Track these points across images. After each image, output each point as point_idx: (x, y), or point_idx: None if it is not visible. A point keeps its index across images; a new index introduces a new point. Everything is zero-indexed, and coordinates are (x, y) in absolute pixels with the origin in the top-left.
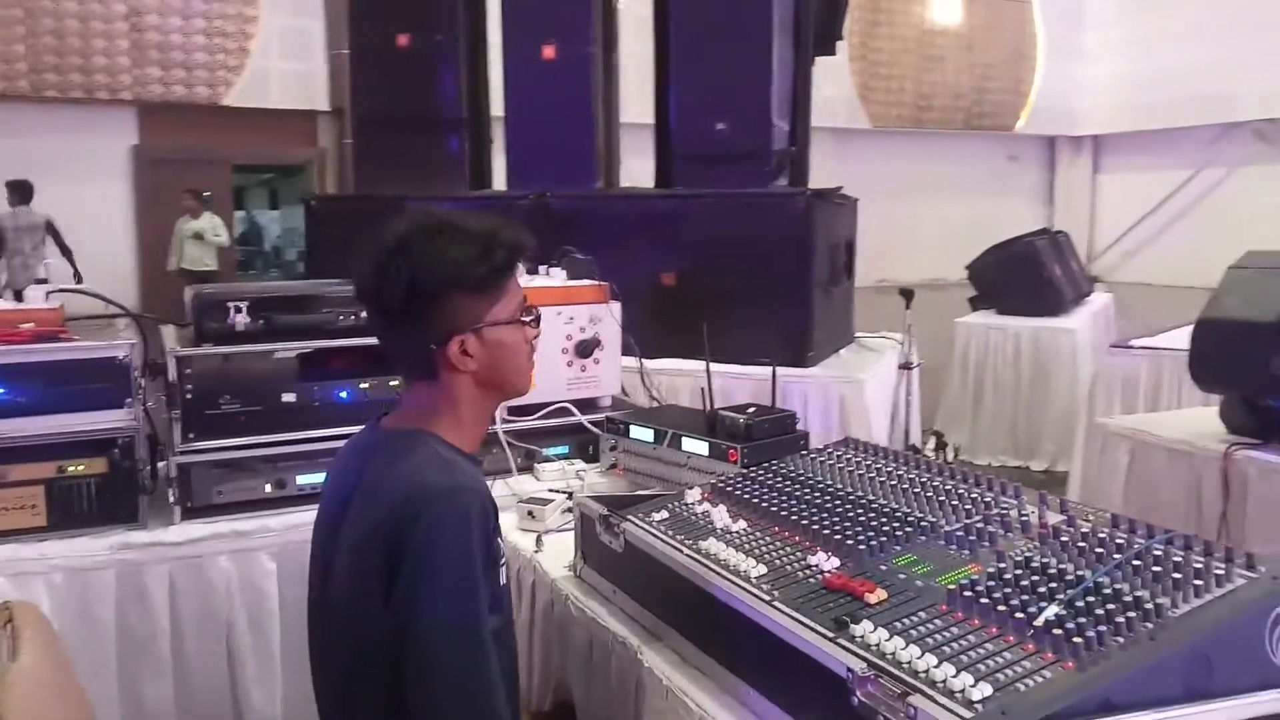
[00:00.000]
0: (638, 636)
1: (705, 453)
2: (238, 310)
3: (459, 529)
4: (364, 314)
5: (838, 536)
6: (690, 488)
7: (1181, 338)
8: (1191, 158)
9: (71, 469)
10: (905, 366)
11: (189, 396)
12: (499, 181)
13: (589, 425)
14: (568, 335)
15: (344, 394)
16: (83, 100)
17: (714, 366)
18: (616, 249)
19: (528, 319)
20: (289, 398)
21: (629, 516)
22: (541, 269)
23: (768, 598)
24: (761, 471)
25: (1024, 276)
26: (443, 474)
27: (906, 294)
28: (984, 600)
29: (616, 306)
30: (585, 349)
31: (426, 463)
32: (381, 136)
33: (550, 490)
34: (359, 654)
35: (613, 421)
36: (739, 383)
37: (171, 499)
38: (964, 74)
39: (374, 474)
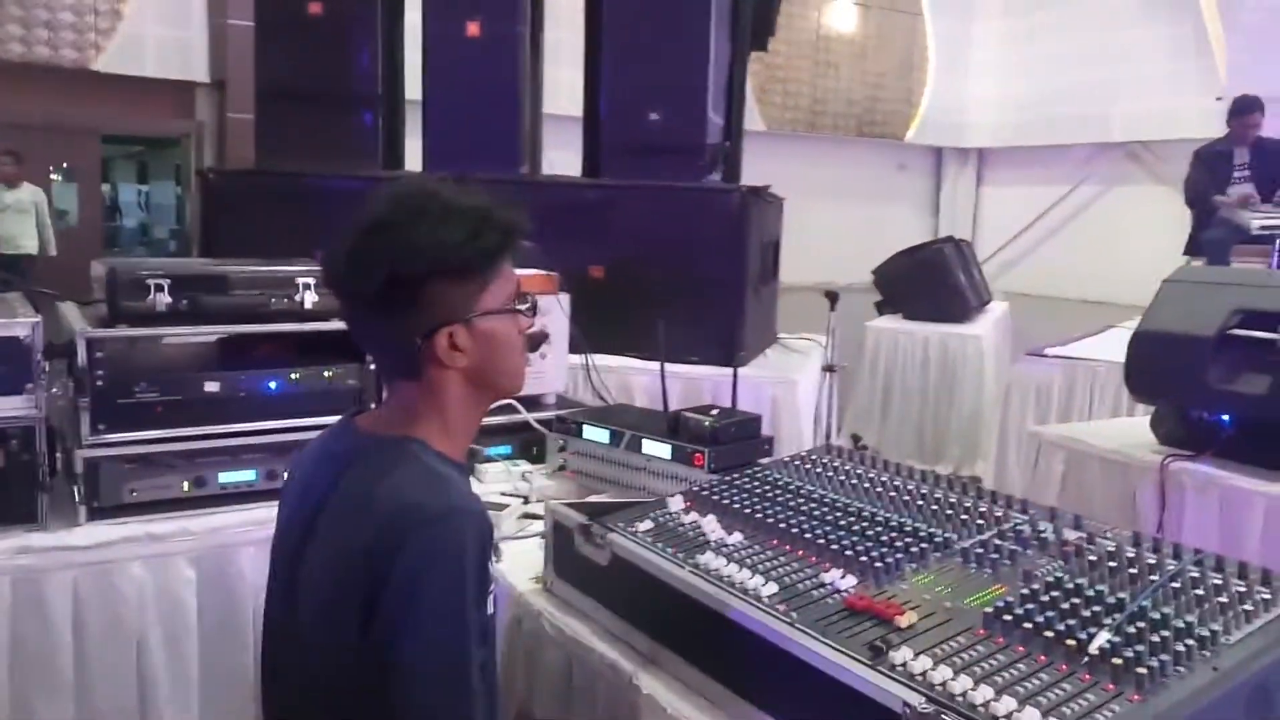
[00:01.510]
0: (629, 660)
1: (668, 456)
2: (159, 289)
3: (453, 557)
4: (299, 297)
5: (848, 552)
6: (670, 495)
7: (1093, 347)
8: (1069, 174)
9: None
10: (829, 369)
11: (100, 383)
12: (412, 162)
13: (536, 424)
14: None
15: (273, 384)
16: None
17: (638, 363)
18: (542, 238)
19: (523, 307)
20: (212, 387)
21: (612, 526)
22: None
23: (788, 619)
24: (745, 479)
25: (931, 283)
26: (436, 492)
27: (831, 296)
28: (1025, 625)
29: (565, 299)
30: (534, 343)
31: (416, 478)
32: (286, 109)
33: (502, 494)
34: (326, 685)
35: (563, 421)
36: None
37: (76, 497)
38: (857, 82)
39: (353, 486)
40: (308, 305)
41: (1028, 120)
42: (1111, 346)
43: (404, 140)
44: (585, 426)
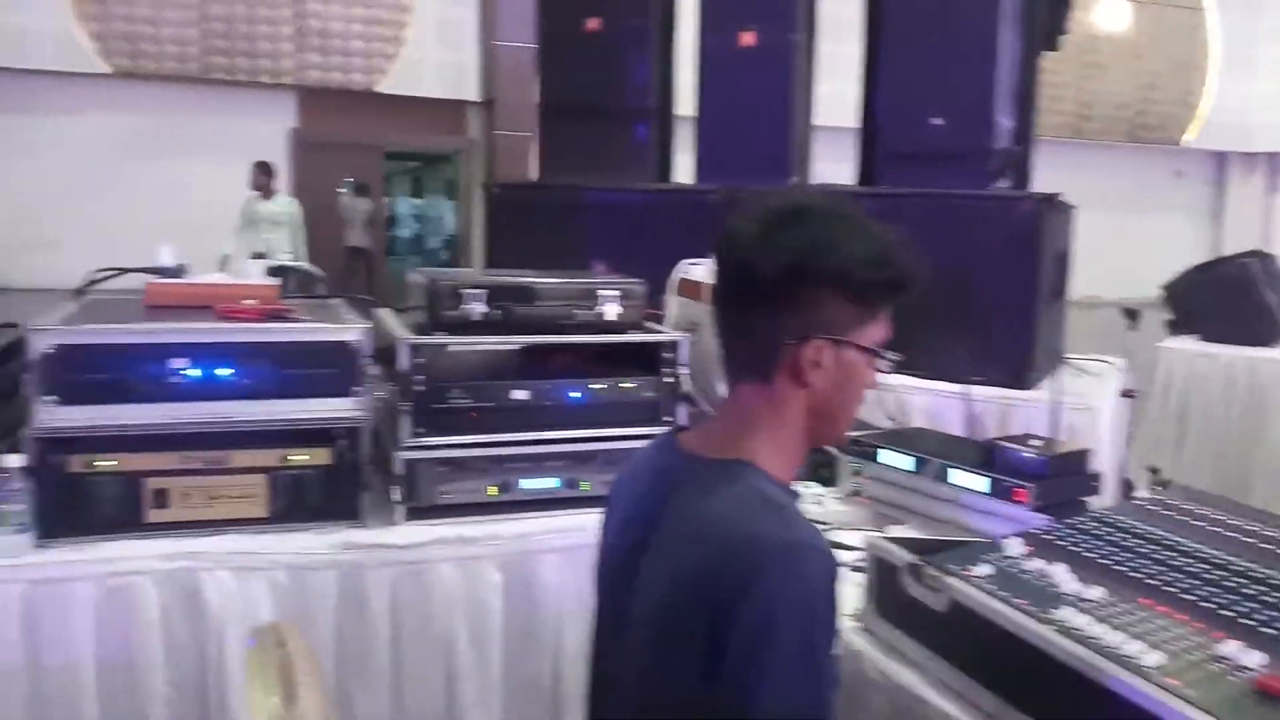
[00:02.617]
0: (970, 716)
1: (984, 489)
2: (475, 299)
3: (806, 598)
4: (600, 309)
5: (1244, 620)
6: (1003, 536)
7: None
8: None
9: (294, 459)
10: (1128, 394)
11: (420, 388)
12: (681, 175)
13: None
14: None
15: (576, 394)
16: (246, 84)
17: (917, 382)
18: None
19: (885, 358)
20: (520, 395)
21: (947, 568)
22: None
23: (1188, 698)
24: (1093, 523)
25: (1234, 301)
26: (778, 523)
27: (1131, 313)
28: None
29: None
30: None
31: (753, 504)
32: (567, 125)
33: None
34: (662, 712)
35: (859, 443)
36: (947, 402)
37: (397, 498)
38: (1128, 83)
39: (685, 508)
40: (609, 317)
41: None
42: None
43: (672, 153)
44: (882, 450)
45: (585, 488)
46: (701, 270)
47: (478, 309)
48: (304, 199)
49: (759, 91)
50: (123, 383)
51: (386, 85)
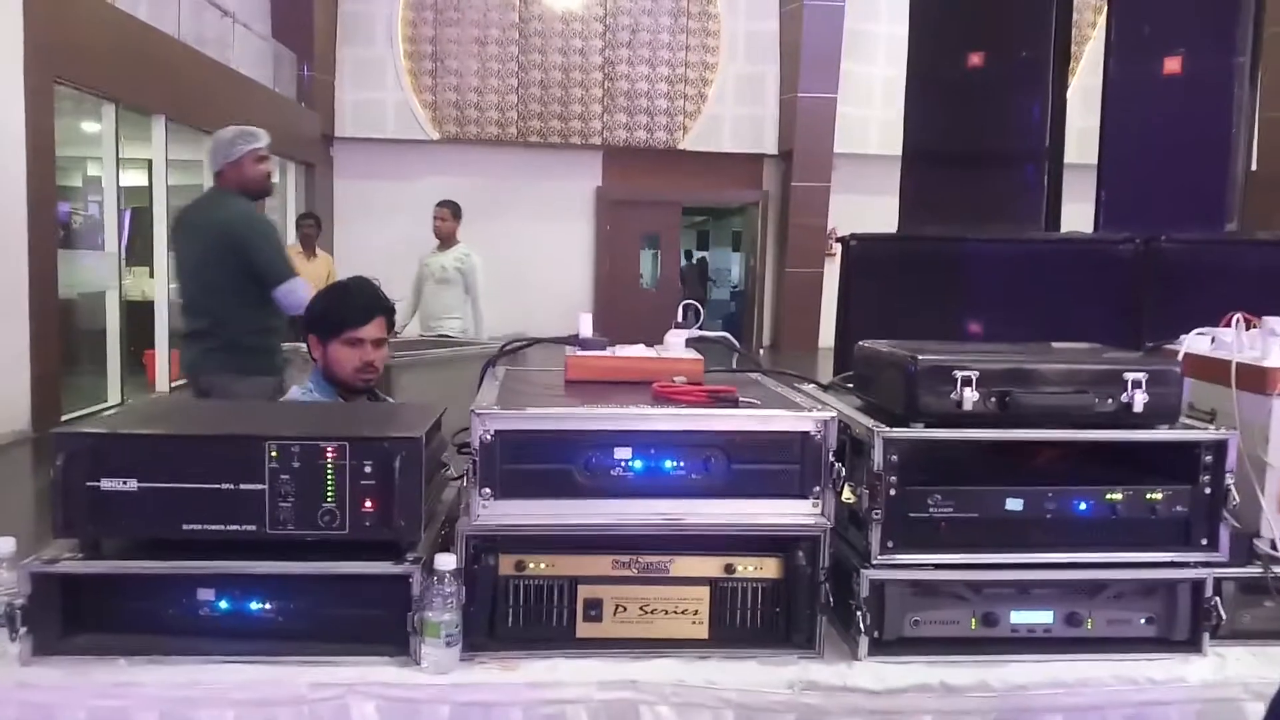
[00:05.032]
0: None
1: None
2: (966, 383)
3: None
4: (1128, 397)
5: None
6: None
7: None
8: None
9: (741, 569)
10: None
11: (894, 493)
12: (1074, 223)
13: None
14: None
15: (1083, 506)
16: (558, 145)
17: None
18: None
19: None
20: (1014, 505)
21: None
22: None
23: None
24: None
25: None
26: None
27: None
28: None
29: None
30: None
31: None
32: (935, 171)
33: None
34: None
35: None
36: None
37: (862, 625)
38: None
39: None
40: (1137, 408)
41: None
42: None
43: (1060, 199)
44: None
45: (1089, 627)
46: (1205, 342)
47: (969, 396)
48: (604, 254)
49: (1188, 125)
50: (566, 475)
51: (688, 142)
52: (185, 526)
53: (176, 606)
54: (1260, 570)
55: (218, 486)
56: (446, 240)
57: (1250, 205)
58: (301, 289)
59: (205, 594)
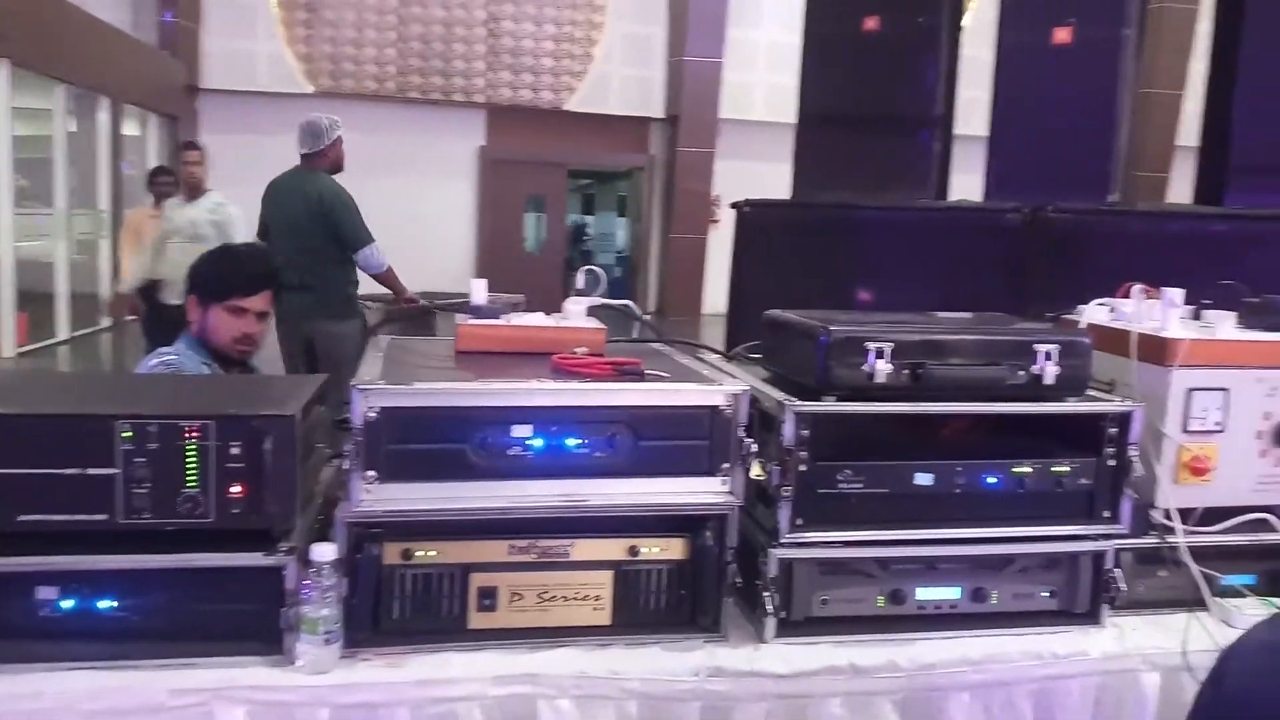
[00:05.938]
0: None
1: None
2: (879, 355)
3: None
4: (1038, 368)
5: None
6: None
7: None
8: None
9: (645, 551)
10: None
11: (804, 469)
12: (962, 192)
13: None
14: (1265, 414)
15: (992, 480)
16: (440, 102)
17: None
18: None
19: None
20: (924, 480)
21: None
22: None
23: None
24: None
25: None
26: None
27: None
28: None
29: None
30: None
31: None
32: (829, 136)
33: None
34: None
35: None
36: None
37: (769, 606)
38: None
39: None
40: (1047, 380)
41: None
42: None
43: (949, 167)
44: None
45: (994, 601)
46: (1105, 313)
47: (882, 368)
48: (486, 215)
49: (1074, 96)
50: (459, 456)
51: (574, 103)
52: (21, 518)
53: (12, 608)
54: (1156, 540)
55: (60, 472)
56: (195, 189)
57: (1130, 178)
58: (377, 253)
59: (46, 593)
